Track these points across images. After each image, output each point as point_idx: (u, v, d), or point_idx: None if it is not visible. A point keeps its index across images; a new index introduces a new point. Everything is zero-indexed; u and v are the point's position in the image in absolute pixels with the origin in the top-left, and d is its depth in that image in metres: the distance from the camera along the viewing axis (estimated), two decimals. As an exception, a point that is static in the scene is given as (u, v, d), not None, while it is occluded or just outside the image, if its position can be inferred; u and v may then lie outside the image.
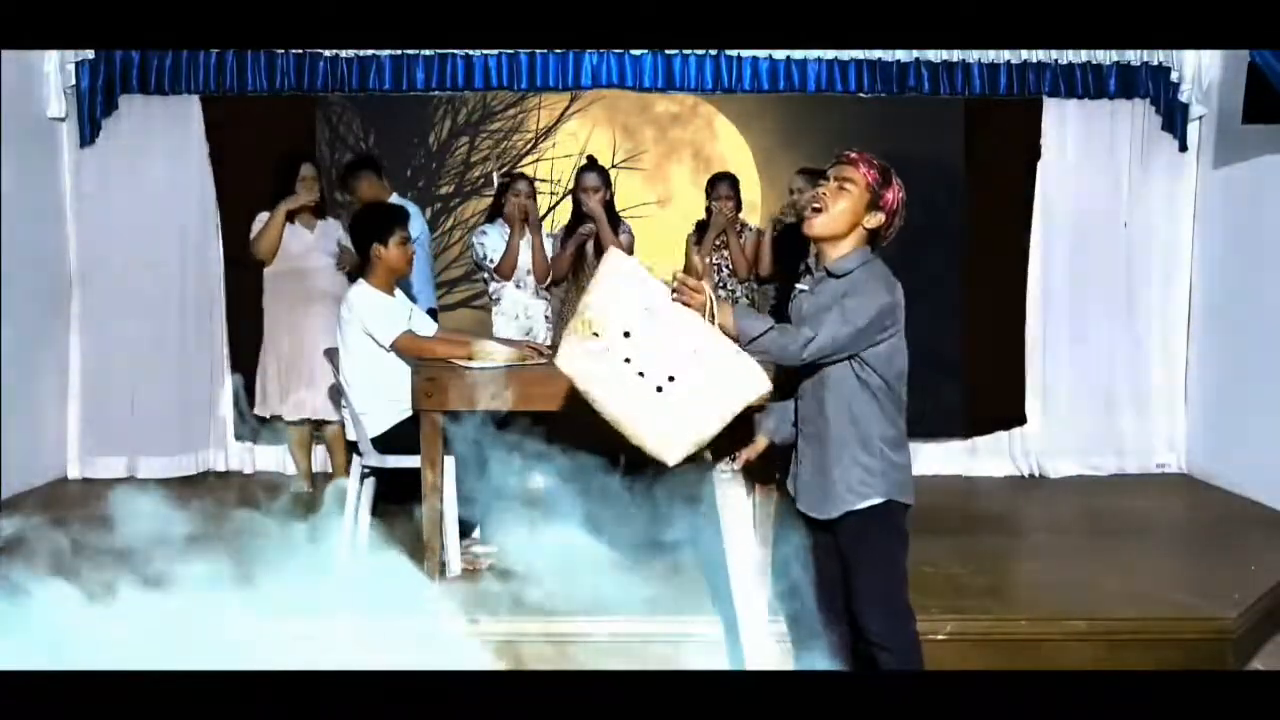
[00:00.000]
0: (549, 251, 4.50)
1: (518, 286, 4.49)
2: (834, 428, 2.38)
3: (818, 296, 2.41)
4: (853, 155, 2.40)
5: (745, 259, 4.64)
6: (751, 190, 5.40)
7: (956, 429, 5.27)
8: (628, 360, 2.29)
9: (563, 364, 2.38)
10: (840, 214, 2.36)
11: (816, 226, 2.38)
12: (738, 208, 4.65)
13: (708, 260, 4.65)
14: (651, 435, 2.29)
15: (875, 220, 2.39)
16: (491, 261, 4.43)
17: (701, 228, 4.71)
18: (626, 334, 2.30)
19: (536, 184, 4.73)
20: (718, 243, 4.64)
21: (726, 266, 4.69)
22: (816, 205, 2.37)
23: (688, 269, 4.76)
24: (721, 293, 4.66)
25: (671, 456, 2.31)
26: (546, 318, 4.54)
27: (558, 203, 5.58)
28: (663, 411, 2.28)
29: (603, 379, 2.31)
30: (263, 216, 4.45)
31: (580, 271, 4.55)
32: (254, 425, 4.86)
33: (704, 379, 2.27)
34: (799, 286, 2.52)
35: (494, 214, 4.53)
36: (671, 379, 2.28)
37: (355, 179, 4.65)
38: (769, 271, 4.59)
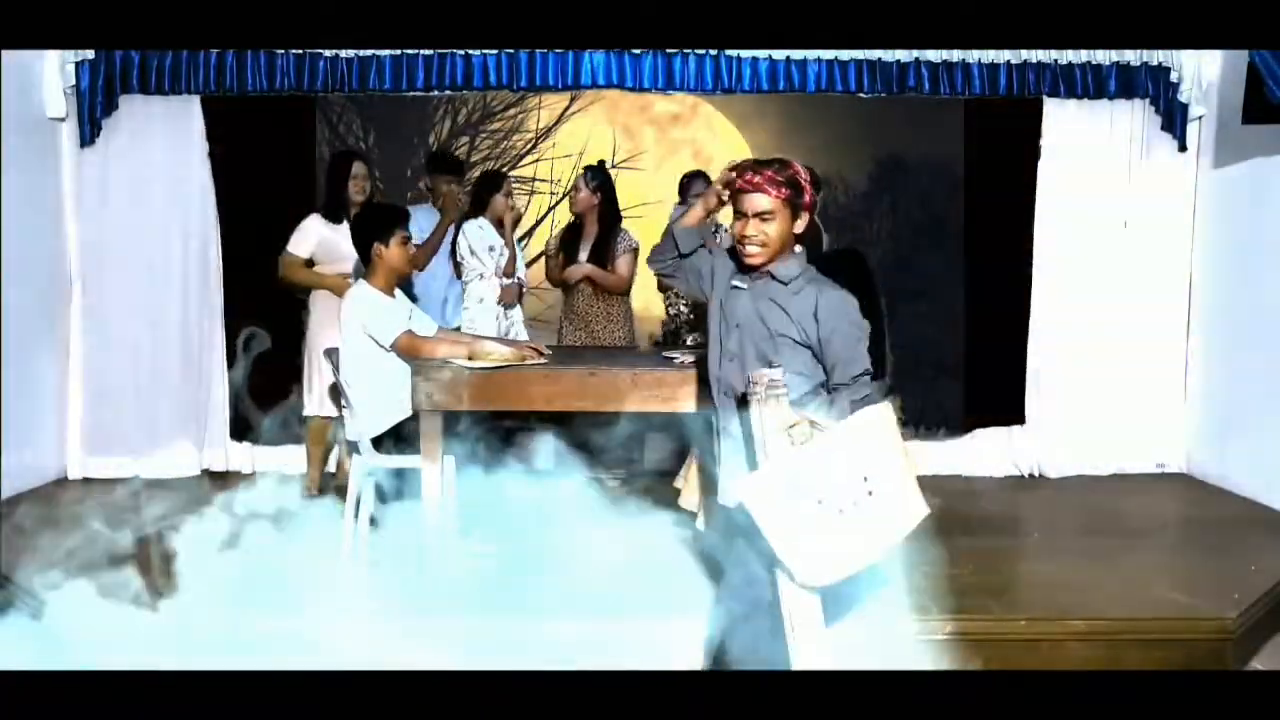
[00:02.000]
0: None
1: (481, 276, 4.54)
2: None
3: (763, 304, 2.49)
4: (755, 179, 2.43)
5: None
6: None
7: (956, 428, 5.28)
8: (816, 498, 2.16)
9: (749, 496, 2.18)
10: (777, 240, 2.46)
11: (761, 259, 2.47)
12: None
13: None
14: (805, 555, 2.12)
15: (802, 223, 2.49)
16: (492, 251, 4.48)
17: None
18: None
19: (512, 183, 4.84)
20: None
21: None
22: (754, 245, 2.45)
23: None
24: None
25: (819, 579, 2.14)
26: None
27: (557, 203, 5.59)
28: (828, 535, 2.12)
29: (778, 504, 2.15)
30: (305, 226, 4.35)
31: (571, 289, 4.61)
32: (262, 423, 4.86)
33: (875, 511, 2.14)
34: (734, 283, 2.56)
35: (476, 212, 4.57)
36: (841, 511, 2.13)
37: (436, 178, 4.67)
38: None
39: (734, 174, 2.49)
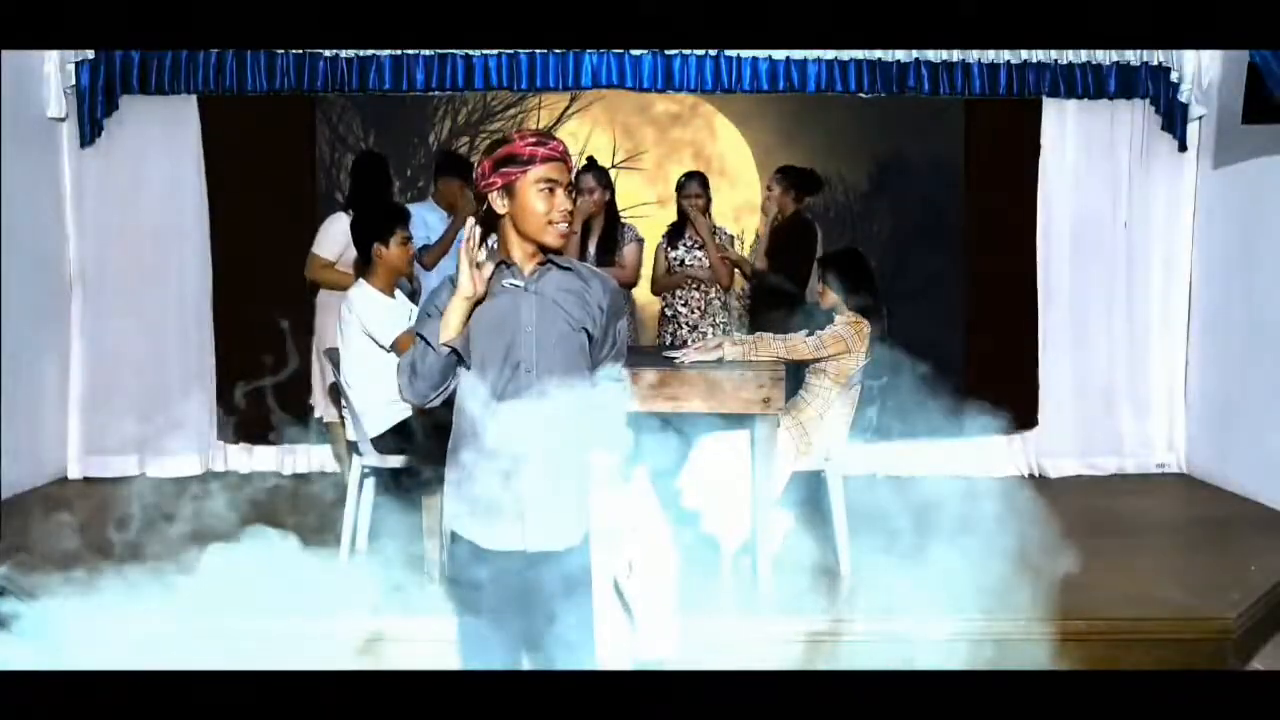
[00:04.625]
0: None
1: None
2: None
3: (560, 297, 2.22)
4: (561, 149, 2.15)
5: (724, 265, 4.65)
6: (751, 190, 5.41)
7: (956, 429, 5.27)
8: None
9: None
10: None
11: (565, 240, 2.21)
12: (707, 206, 4.69)
13: (680, 261, 4.68)
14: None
15: None
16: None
17: (674, 230, 4.74)
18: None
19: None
20: (689, 243, 4.67)
21: (699, 264, 4.68)
22: (569, 220, 2.17)
23: (657, 272, 4.79)
24: (695, 294, 4.69)
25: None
26: None
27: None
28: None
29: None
30: (331, 227, 4.31)
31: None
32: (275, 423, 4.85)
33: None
34: (512, 282, 2.19)
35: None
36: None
37: (443, 180, 4.65)
38: (764, 266, 4.62)
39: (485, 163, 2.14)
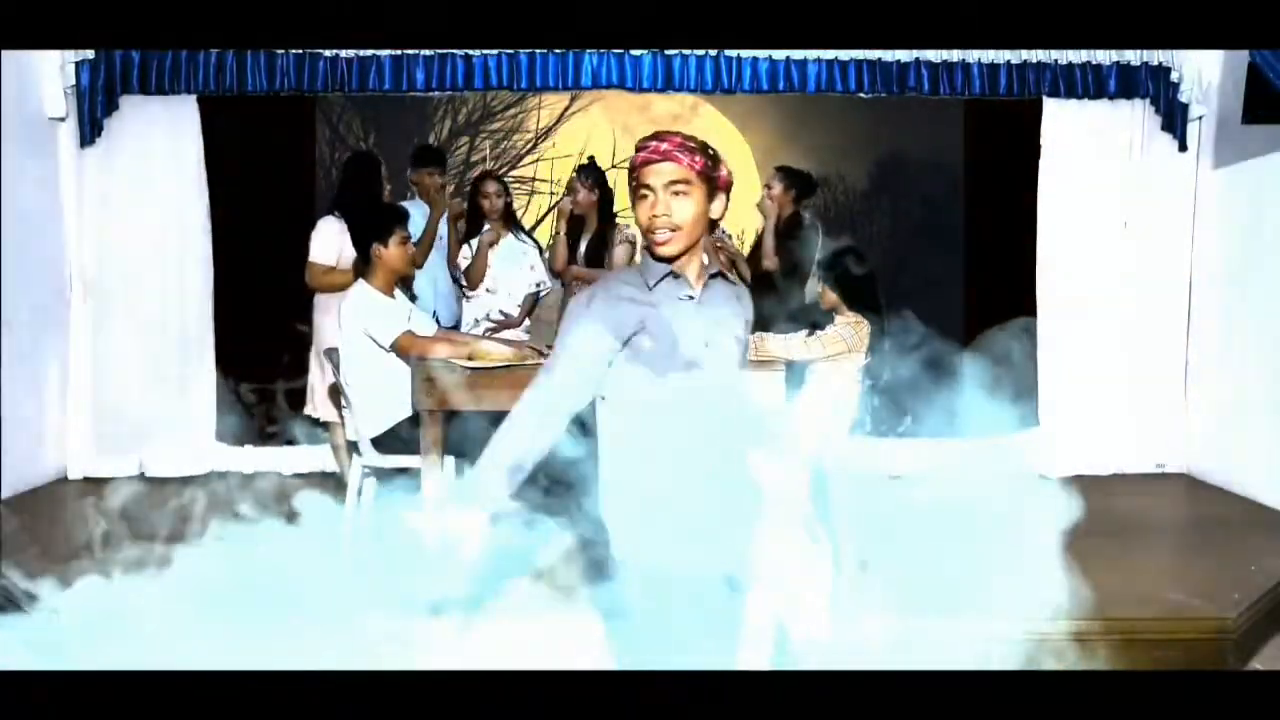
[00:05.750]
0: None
1: (489, 291, 4.58)
2: None
3: (720, 304, 2.09)
4: (663, 148, 1.96)
5: (721, 262, 4.69)
6: (751, 191, 5.40)
7: (956, 429, 5.27)
8: None
9: None
10: (694, 223, 1.99)
11: (675, 247, 2.00)
12: None
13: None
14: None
15: (720, 207, 2.06)
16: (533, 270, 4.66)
17: None
18: None
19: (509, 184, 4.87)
20: None
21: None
22: (669, 226, 1.97)
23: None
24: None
25: None
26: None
27: (554, 206, 5.59)
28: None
29: None
30: (323, 230, 4.30)
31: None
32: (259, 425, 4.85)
33: None
34: (683, 294, 2.04)
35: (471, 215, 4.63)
36: None
37: (420, 173, 4.65)
38: (774, 267, 4.62)
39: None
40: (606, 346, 2.00)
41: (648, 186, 1.97)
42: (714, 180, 2.01)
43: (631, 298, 2.01)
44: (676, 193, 1.96)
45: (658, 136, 1.98)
